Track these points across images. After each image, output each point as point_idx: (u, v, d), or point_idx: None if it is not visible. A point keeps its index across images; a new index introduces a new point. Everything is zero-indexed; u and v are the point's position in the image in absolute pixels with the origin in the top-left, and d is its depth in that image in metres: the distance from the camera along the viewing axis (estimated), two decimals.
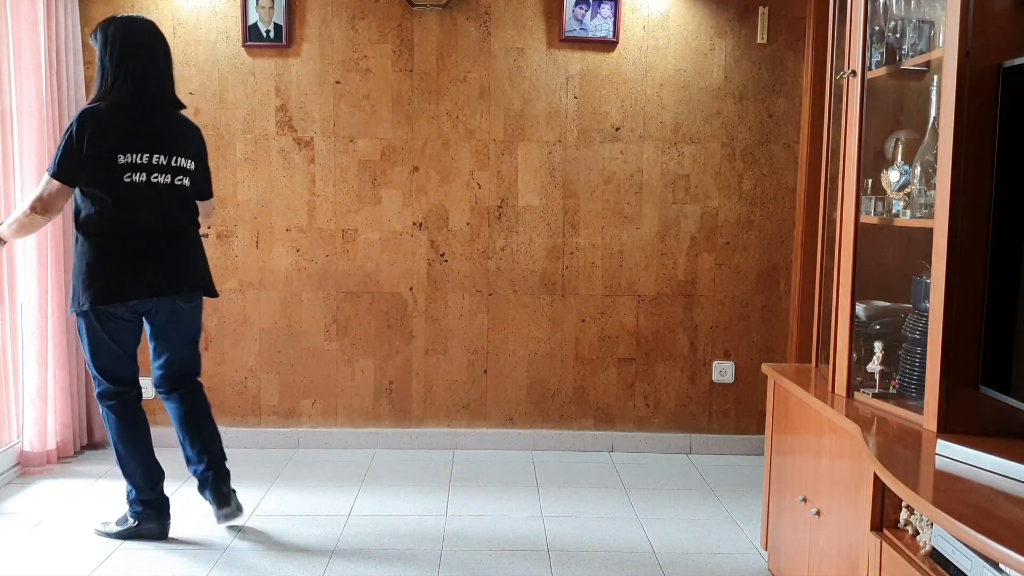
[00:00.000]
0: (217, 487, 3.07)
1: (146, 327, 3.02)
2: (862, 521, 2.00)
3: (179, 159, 2.92)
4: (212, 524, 3.15)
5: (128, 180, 2.81)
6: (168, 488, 3.50)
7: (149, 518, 3.02)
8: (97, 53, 2.87)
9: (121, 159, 2.80)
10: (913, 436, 2.01)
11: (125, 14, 3.12)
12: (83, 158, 2.76)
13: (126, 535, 3.01)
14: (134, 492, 3.01)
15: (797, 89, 3.95)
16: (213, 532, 3.09)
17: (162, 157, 2.87)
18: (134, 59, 2.84)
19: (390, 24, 3.89)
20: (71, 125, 2.78)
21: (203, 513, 3.25)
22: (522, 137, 3.95)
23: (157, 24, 2.98)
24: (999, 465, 1.74)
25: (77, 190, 2.82)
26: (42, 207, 2.79)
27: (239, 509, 3.12)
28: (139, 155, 2.83)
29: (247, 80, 3.90)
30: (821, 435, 2.36)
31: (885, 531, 1.92)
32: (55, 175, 2.77)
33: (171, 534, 3.06)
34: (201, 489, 3.10)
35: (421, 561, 2.89)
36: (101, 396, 2.98)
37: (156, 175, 2.86)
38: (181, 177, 2.93)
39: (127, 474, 3.00)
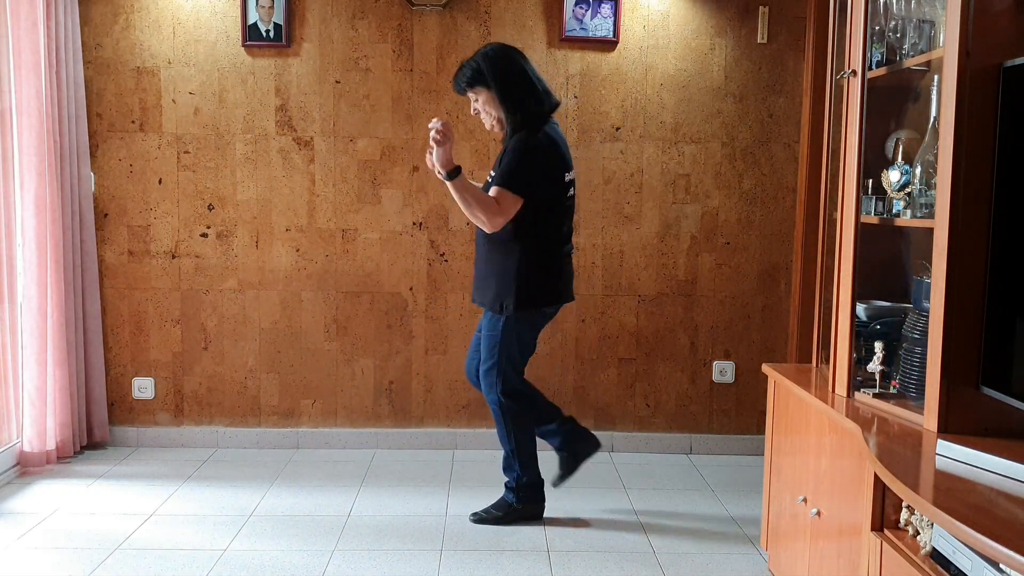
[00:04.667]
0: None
1: None
2: (862, 521, 2.00)
3: None
4: (211, 525, 3.15)
5: None
6: (168, 488, 3.51)
7: (533, 499, 3.26)
8: (503, 79, 3.02)
9: None
10: (913, 436, 2.01)
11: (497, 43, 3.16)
12: None
13: (511, 519, 3.24)
14: (524, 478, 3.23)
15: (797, 89, 3.95)
16: (213, 533, 3.09)
17: None
18: None
19: (390, 24, 3.89)
20: None
21: (202, 514, 3.26)
22: None
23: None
24: (999, 465, 1.74)
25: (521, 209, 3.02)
26: None
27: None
28: (570, 172, 3.18)
29: (247, 80, 3.90)
30: (821, 435, 2.35)
31: (885, 531, 1.92)
32: None
33: (174, 535, 3.06)
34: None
35: (421, 561, 2.89)
36: (508, 391, 3.17)
37: None
38: None
39: (510, 460, 3.23)
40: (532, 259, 3.06)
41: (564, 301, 3.20)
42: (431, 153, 2.93)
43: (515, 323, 3.10)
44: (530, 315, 3.12)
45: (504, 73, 3.01)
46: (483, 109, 3.08)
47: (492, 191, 2.98)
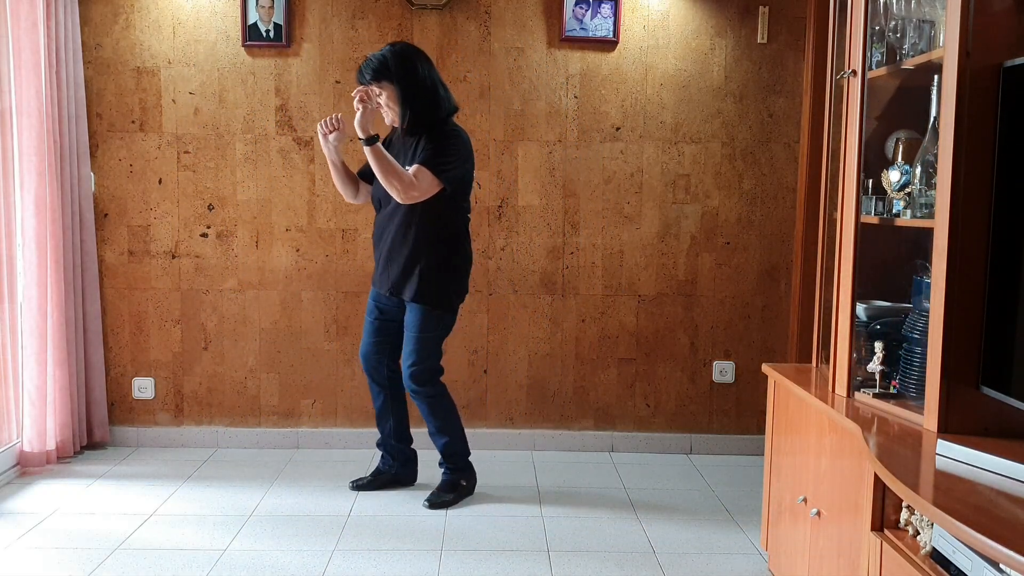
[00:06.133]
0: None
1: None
2: (862, 521, 2.00)
3: None
4: (211, 525, 3.15)
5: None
6: (168, 488, 3.51)
7: (471, 475, 3.46)
8: (408, 77, 3.11)
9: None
10: (913, 436, 2.01)
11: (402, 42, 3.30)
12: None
13: (461, 497, 3.40)
14: (458, 459, 3.41)
15: (797, 89, 3.95)
16: (213, 533, 3.09)
17: None
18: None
19: (390, 24, 3.89)
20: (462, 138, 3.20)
21: (202, 514, 3.26)
22: (522, 137, 3.95)
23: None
24: (999, 465, 1.74)
25: (446, 199, 3.14)
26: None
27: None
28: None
29: (247, 80, 3.90)
30: (821, 435, 2.36)
31: (885, 531, 1.92)
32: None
33: (174, 535, 3.07)
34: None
35: (421, 561, 2.89)
36: (437, 382, 3.34)
37: None
38: None
39: (455, 446, 3.40)
40: (464, 251, 3.29)
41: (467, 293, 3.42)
42: (357, 115, 3.06)
43: (450, 316, 3.30)
44: (453, 310, 3.33)
45: (411, 72, 3.11)
46: (385, 104, 3.15)
47: (412, 168, 3.08)
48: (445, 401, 3.37)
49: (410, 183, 3.05)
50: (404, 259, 3.20)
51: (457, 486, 3.41)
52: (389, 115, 3.18)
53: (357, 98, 3.06)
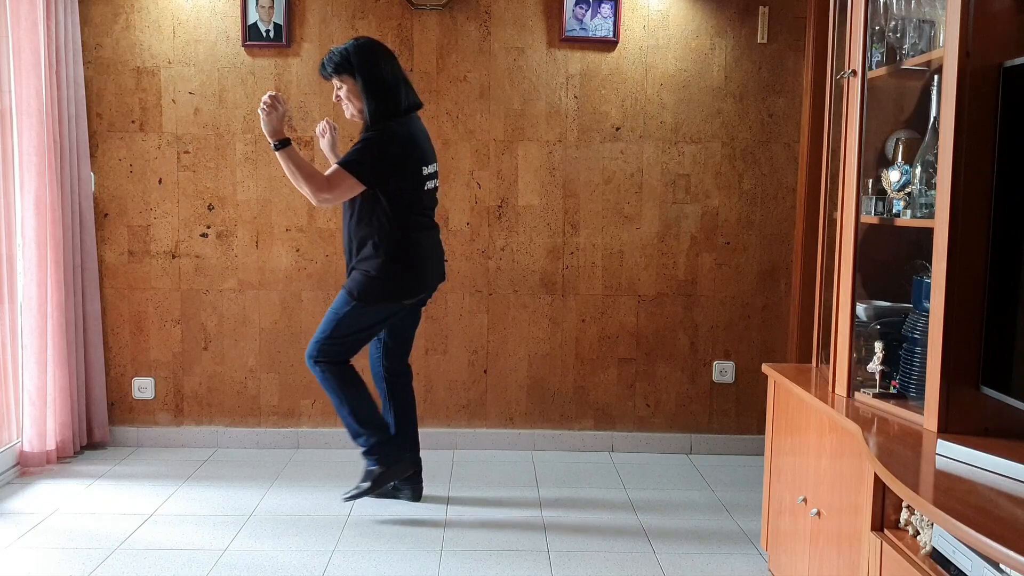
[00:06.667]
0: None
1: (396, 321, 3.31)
2: (862, 521, 2.00)
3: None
4: (211, 525, 3.15)
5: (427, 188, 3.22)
6: (168, 488, 3.50)
7: (395, 458, 3.25)
8: (369, 72, 3.06)
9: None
10: (913, 436, 2.01)
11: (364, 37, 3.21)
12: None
13: (381, 484, 3.22)
14: (373, 438, 3.20)
15: (797, 89, 3.95)
16: (213, 533, 3.09)
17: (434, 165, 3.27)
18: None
19: (390, 24, 3.89)
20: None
21: (202, 514, 3.26)
22: (522, 137, 3.95)
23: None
24: (999, 465, 1.74)
25: (373, 198, 3.08)
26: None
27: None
28: (430, 165, 3.22)
29: (247, 80, 3.90)
30: (821, 435, 2.36)
31: (885, 531, 1.92)
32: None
33: (174, 535, 3.06)
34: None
35: (421, 561, 2.89)
36: (328, 364, 3.17)
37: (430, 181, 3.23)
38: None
39: (362, 420, 3.19)
40: (401, 254, 3.12)
41: (415, 295, 3.23)
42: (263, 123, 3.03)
43: (366, 311, 3.15)
44: (374, 307, 3.16)
45: (371, 66, 3.08)
46: (345, 98, 3.13)
47: (330, 169, 3.05)
48: (335, 377, 3.18)
49: (321, 186, 3.01)
50: (346, 255, 3.22)
51: (370, 473, 3.23)
52: (349, 109, 3.15)
53: (262, 105, 2.99)
